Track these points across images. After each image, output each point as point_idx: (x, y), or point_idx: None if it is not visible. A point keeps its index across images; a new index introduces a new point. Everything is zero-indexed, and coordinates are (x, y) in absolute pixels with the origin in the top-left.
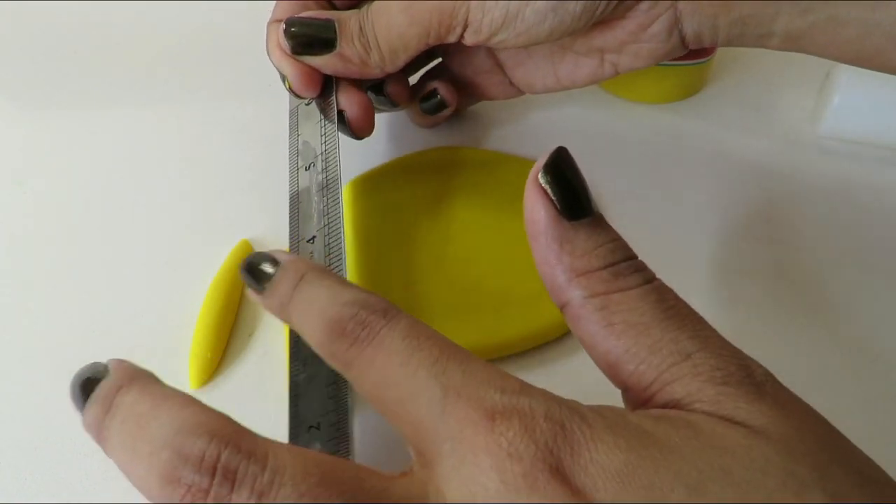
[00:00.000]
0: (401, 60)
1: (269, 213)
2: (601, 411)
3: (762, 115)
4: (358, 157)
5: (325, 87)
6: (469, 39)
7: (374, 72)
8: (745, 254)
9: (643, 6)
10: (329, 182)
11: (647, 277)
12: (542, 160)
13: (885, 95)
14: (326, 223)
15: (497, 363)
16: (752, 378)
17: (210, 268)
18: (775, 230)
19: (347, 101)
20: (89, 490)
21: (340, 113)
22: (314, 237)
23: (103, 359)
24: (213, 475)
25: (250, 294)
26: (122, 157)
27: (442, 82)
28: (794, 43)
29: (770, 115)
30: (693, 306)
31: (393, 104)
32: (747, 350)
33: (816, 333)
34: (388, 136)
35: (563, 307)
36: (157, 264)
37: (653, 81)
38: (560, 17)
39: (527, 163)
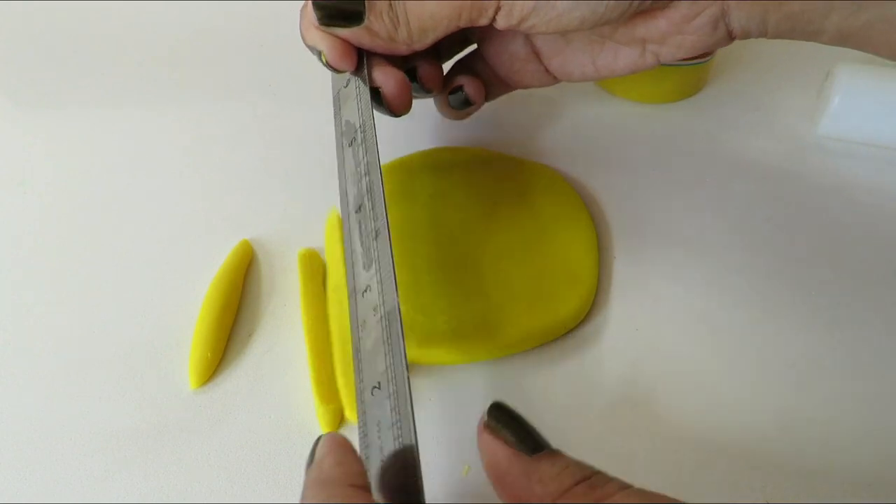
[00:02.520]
0: (429, 39)
1: (269, 213)
2: None
3: (762, 115)
4: None
5: (360, 62)
6: (500, 23)
7: (401, 48)
8: (745, 253)
9: None
10: (369, 153)
11: (622, 483)
12: (484, 412)
13: (885, 96)
14: (370, 193)
15: (497, 363)
16: None
17: (210, 268)
18: (775, 230)
19: (383, 77)
20: (89, 490)
21: (377, 91)
22: (360, 206)
23: (102, 357)
24: None
25: None
26: (122, 157)
27: (469, 78)
28: (845, 40)
29: (770, 115)
30: (693, 305)
31: (426, 90)
32: (747, 347)
33: (816, 332)
34: (388, 137)
35: None
36: (157, 264)
37: (653, 81)
38: (593, 5)
39: (528, 163)
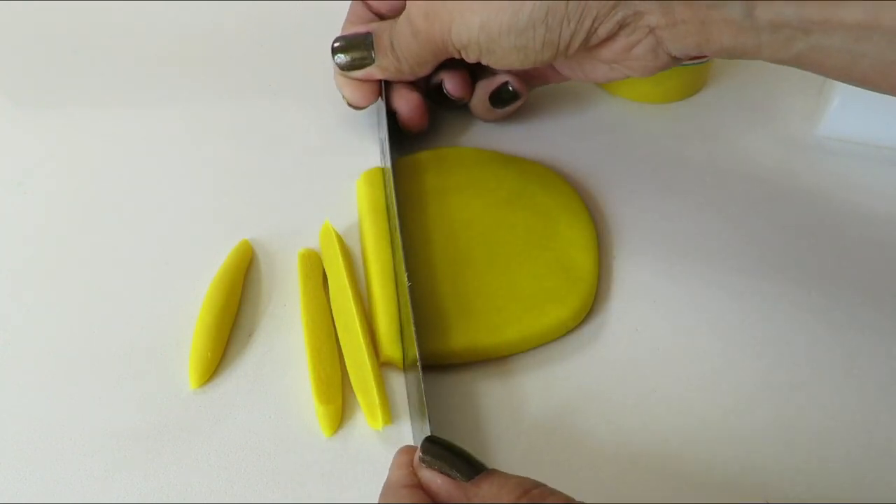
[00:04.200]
0: (426, 69)
1: (269, 213)
2: None
3: (762, 116)
4: (360, 157)
5: (380, 94)
6: (467, 59)
7: (408, 77)
8: (745, 252)
9: (621, 33)
10: (387, 164)
11: (567, 497)
12: (417, 450)
13: (885, 96)
14: (390, 202)
15: (497, 363)
16: None
17: (210, 268)
18: (775, 230)
19: (398, 100)
20: (89, 490)
21: (394, 113)
22: (388, 206)
23: (102, 357)
24: None
25: None
26: (122, 157)
27: (512, 75)
28: (785, 64)
29: (770, 115)
30: (693, 305)
31: (455, 99)
32: (747, 347)
33: (816, 331)
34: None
35: None
36: (157, 264)
37: (653, 81)
38: (524, 53)
39: (528, 163)
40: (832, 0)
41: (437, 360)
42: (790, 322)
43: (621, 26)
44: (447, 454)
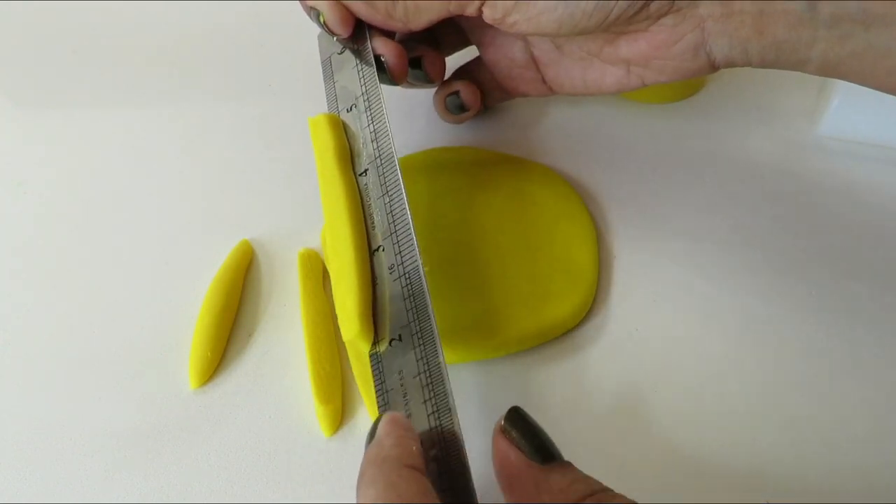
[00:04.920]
0: (423, 20)
1: (269, 213)
2: None
3: (762, 115)
4: None
5: (359, 32)
6: (487, 14)
7: (397, 25)
8: (745, 252)
9: (667, 21)
10: (376, 121)
11: (628, 501)
12: (502, 416)
13: (885, 96)
14: (379, 159)
15: (497, 363)
16: None
17: (210, 268)
18: (775, 230)
19: (384, 47)
20: (89, 490)
21: (378, 59)
22: (366, 170)
23: (102, 357)
24: None
25: None
26: (122, 157)
27: (465, 83)
28: (831, 70)
29: (770, 115)
30: (693, 305)
31: (429, 80)
32: (747, 347)
33: (817, 332)
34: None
35: None
36: (157, 264)
37: None
38: (570, 10)
39: (528, 163)
40: None
41: None
42: (791, 321)
43: (671, 9)
44: (531, 433)
